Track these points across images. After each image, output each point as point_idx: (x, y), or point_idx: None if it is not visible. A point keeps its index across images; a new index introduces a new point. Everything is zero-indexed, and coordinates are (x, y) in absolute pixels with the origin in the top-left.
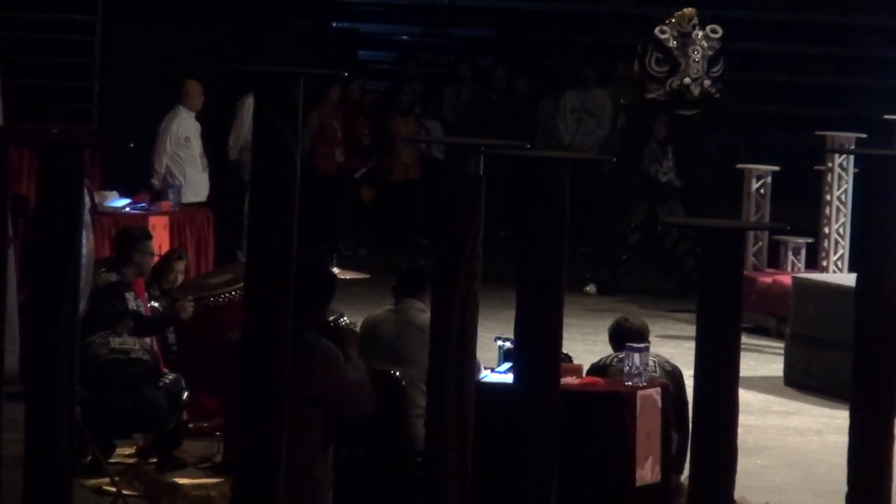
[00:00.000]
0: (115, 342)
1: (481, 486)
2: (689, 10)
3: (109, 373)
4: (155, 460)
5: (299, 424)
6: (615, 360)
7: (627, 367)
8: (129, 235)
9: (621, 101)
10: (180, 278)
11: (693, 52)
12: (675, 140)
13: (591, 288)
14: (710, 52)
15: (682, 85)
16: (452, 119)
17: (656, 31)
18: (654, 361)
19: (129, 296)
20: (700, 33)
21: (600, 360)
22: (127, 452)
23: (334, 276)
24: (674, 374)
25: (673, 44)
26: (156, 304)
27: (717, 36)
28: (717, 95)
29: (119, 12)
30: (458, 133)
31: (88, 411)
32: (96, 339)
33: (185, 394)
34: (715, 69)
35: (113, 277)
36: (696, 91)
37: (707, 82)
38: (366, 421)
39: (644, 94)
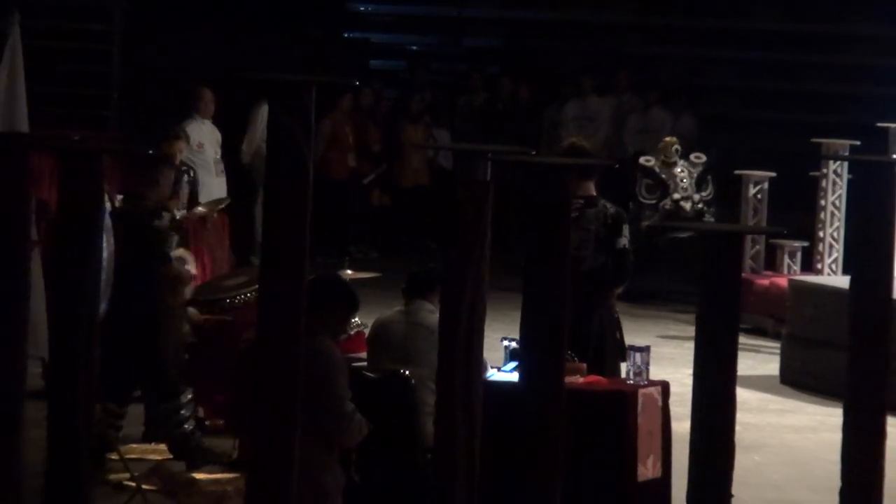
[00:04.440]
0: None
1: (489, 481)
2: (670, 139)
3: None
4: (171, 458)
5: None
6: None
7: (629, 367)
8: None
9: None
10: (178, 156)
11: (680, 172)
12: None
13: None
14: (696, 175)
15: (674, 202)
16: (462, 126)
17: (641, 160)
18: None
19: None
20: (683, 162)
21: None
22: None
23: (354, 292)
24: (618, 217)
25: (658, 169)
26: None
27: (700, 161)
28: (712, 220)
29: (137, 23)
30: (467, 140)
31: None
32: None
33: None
34: (705, 193)
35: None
36: (687, 207)
37: (697, 196)
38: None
39: (640, 226)
